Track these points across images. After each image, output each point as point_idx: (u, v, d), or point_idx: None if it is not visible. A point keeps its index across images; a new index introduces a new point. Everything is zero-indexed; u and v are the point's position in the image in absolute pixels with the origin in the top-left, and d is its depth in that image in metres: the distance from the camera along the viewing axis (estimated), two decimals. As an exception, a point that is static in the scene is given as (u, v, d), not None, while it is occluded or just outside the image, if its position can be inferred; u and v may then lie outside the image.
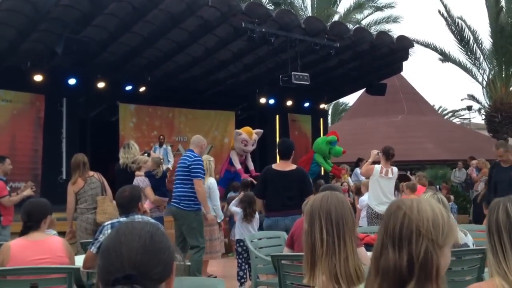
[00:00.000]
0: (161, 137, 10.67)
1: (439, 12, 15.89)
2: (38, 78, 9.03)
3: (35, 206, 3.20)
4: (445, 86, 68.33)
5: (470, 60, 16.21)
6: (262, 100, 12.31)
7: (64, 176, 9.19)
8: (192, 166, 5.46)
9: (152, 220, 3.41)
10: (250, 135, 9.29)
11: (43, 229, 3.16)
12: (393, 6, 18.37)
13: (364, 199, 7.24)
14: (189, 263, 3.31)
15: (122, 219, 3.43)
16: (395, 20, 18.58)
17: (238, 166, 9.50)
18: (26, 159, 9.33)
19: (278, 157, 5.81)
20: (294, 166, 5.35)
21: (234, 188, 8.28)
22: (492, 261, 1.57)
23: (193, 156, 5.55)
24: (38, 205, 3.22)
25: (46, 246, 3.06)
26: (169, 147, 10.84)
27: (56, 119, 9.66)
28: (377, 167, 6.54)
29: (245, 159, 9.97)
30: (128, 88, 10.54)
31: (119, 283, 1.04)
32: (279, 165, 5.34)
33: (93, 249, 3.35)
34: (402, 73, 15.57)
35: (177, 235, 5.60)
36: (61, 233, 5.85)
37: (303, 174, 5.36)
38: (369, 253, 3.58)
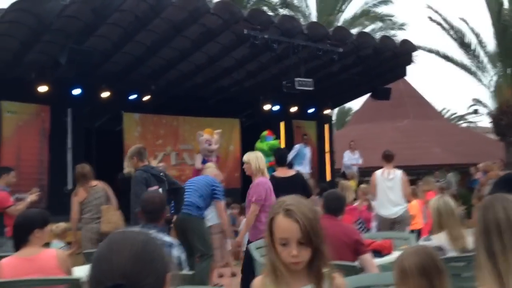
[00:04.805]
0: (305, 136, 10.85)
1: (430, 18, 15.85)
2: (42, 89, 9.05)
3: (20, 219, 3.04)
4: (451, 90, 67.97)
5: (473, 64, 16.14)
6: (266, 107, 12.28)
7: (69, 187, 9.18)
8: (216, 188, 5.82)
9: (169, 239, 3.35)
10: (211, 134, 9.25)
11: (35, 243, 2.97)
12: (392, 16, 18.40)
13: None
14: (192, 272, 3.25)
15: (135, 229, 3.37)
16: (400, 27, 18.56)
17: (198, 166, 9.31)
18: (32, 170, 9.34)
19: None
20: (294, 171, 5.72)
21: None
22: (486, 261, 1.50)
23: (217, 181, 5.94)
24: (23, 219, 3.03)
25: (37, 264, 2.90)
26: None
27: (61, 129, 9.68)
28: (378, 171, 6.58)
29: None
30: (133, 97, 10.55)
31: None
32: (280, 172, 5.60)
33: None
34: (407, 78, 15.52)
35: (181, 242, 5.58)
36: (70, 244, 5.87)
37: (303, 178, 5.75)
38: (376, 260, 3.54)
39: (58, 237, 5.69)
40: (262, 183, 5.02)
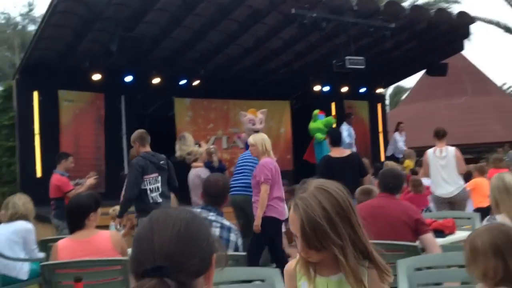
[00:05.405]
0: (352, 116, 11.20)
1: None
2: (96, 77, 9.29)
3: (74, 205, 3.11)
4: (512, 64, 64.26)
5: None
6: (317, 88, 12.07)
7: (126, 171, 9.42)
8: None
9: (228, 223, 3.31)
10: (254, 114, 9.09)
11: (90, 226, 3.04)
12: None
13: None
14: (244, 253, 3.21)
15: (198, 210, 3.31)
16: (455, 0, 17.60)
17: (241, 145, 9.17)
18: (90, 156, 9.66)
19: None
20: (349, 151, 5.84)
21: None
22: None
23: None
24: (76, 204, 3.11)
25: (92, 245, 2.96)
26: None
27: (116, 116, 9.93)
28: (430, 150, 6.37)
29: None
30: (183, 82, 10.65)
31: (148, 275, 0.93)
32: (336, 152, 5.76)
33: None
34: (464, 52, 14.83)
35: (241, 225, 5.58)
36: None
37: (359, 157, 5.92)
38: (438, 240, 3.37)
39: (114, 220, 5.83)
40: (267, 163, 5.04)
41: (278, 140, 11.99)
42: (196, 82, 10.61)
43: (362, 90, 13.00)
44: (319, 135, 9.15)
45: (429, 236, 3.14)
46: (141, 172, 4.93)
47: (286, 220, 6.77)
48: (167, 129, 10.91)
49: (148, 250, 0.98)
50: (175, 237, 0.99)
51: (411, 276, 2.39)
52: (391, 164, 8.13)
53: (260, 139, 5.17)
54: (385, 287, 1.56)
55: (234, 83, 11.14)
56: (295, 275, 1.63)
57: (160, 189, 5.04)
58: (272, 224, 4.88)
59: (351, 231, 1.50)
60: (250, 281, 2.56)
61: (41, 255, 4.35)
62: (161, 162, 5.19)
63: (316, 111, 9.76)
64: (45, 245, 4.39)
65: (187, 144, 6.44)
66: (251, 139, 5.26)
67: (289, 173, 10.88)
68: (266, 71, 11.25)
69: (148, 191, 4.95)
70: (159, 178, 5.05)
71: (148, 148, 5.23)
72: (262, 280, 2.45)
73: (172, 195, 6.22)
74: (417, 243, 3.10)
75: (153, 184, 4.99)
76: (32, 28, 26.89)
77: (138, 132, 5.38)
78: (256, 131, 8.92)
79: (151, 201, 4.97)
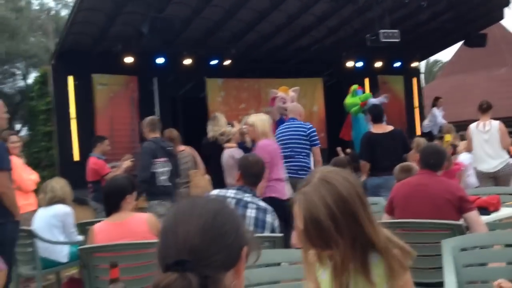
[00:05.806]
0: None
1: None
2: (129, 60, 9.33)
3: (110, 187, 3.12)
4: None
5: None
6: (350, 64, 11.81)
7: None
8: (312, 135, 5.54)
9: (263, 204, 3.26)
10: (286, 92, 8.86)
11: (126, 208, 3.03)
12: None
13: (461, 158, 6.76)
14: (281, 235, 3.15)
15: (231, 192, 3.24)
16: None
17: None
18: (125, 139, 9.78)
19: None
20: (391, 127, 5.64)
21: None
22: None
23: (307, 124, 5.67)
24: (113, 186, 3.10)
25: (128, 228, 2.95)
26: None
27: (149, 98, 10.00)
28: (473, 124, 6.20)
29: None
30: (214, 62, 10.59)
31: (170, 269, 0.88)
32: (378, 128, 5.65)
33: None
34: (503, 22, 14.22)
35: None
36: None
37: (402, 133, 5.83)
38: (482, 217, 3.24)
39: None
40: (264, 146, 4.83)
41: (311, 118, 11.81)
42: (227, 62, 10.54)
43: (397, 64, 12.66)
44: (356, 109, 9.00)
45: (474, 214, 3.01)
46: (151, 156, 4.99)
47: None
48: (199, 110, 10.92)
49: (171, 243, 0.93)
50: (200, 230, 0.93)
51: (457, 256, 2.29)
52: (422, 140, 7.89)
53: (259, 119, 4.94)
54: (401, 281, 1.47)
55: (266, 62, 11.02)
56: (314, 264, 1.59)
57: (168, 173, 5.11)
58: (272, 204, 4.68)
59: (355, 226, 1.41)
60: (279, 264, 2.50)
61: (80, 238, 4.43)
62: (169, 148, 5.26)
63: (355, 86, 9.56)
64: (83, 227, 4.47)
65: (220, 125, 6.39)
66: (251, 120, 5.02)
67: (323, 152, 10.70)
68: (297, 48, 11.06)
69: (158, 174, 5.01)
70: (168, 163, 5.11)
71: (157, 134, 5.34)
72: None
73: (207, 177, 6.24)
74: (461, 221, 2.97)
75: (162, 168, 5.06)
76: (65, 13, 27.25)
77: (150, 118, 5.52)
78: (287, 109, 8.83)
79: (160, 184, 5.03)
